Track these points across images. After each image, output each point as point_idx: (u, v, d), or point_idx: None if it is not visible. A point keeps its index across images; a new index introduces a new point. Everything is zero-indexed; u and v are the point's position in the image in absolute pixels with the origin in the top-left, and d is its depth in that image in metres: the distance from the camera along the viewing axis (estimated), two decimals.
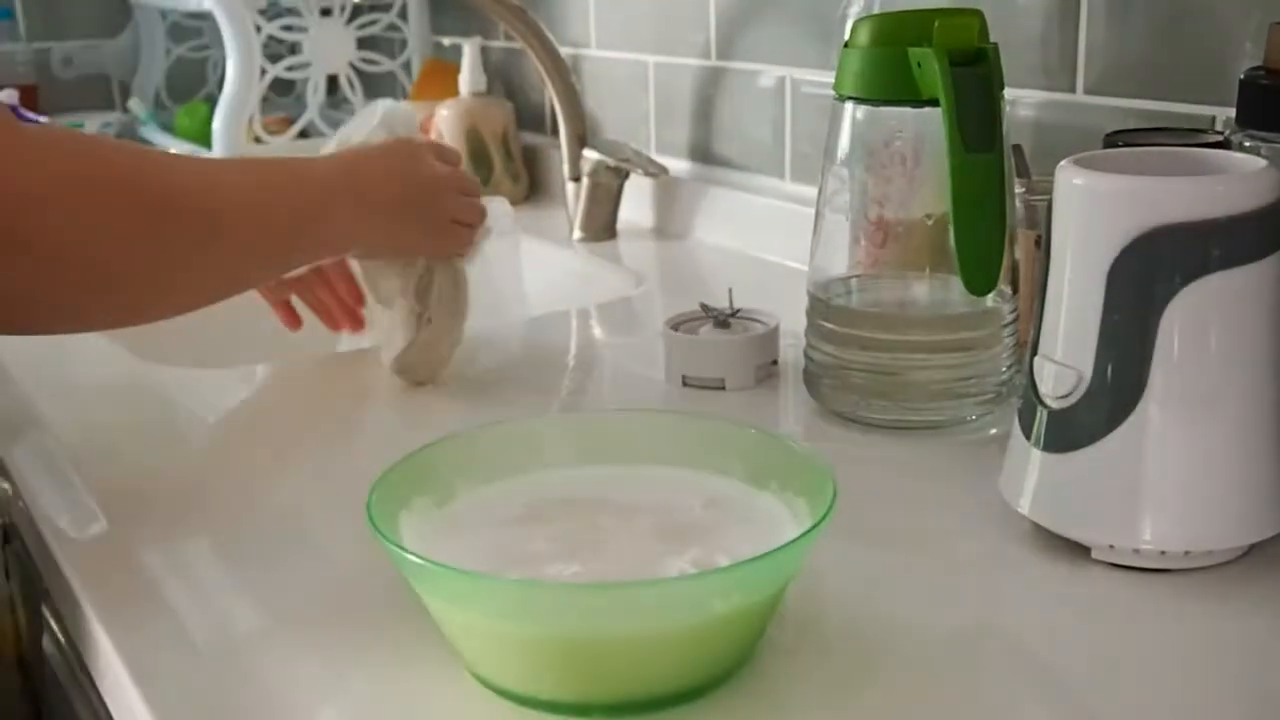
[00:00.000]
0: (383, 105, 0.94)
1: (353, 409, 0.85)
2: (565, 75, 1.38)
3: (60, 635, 0.77)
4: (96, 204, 0.66)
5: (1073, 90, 0.94)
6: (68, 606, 0.67)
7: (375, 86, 1.81)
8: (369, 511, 0.54)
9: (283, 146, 1.65)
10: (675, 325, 0.92)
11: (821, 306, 0.82)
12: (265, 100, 1.67)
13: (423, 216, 0.87)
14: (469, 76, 1.54)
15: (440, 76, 1.65)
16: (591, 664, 0.51)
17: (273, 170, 0.80)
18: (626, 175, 1.34)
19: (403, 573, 0.54)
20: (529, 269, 1.23)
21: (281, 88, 1.85)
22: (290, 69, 1.67)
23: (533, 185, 1.57)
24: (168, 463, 0.81)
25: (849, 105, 0.79)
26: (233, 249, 0.75)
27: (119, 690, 0.58)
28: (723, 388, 0.88)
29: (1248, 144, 0.67)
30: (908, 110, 0.77)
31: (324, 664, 0.58)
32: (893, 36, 0.76)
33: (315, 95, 1.68)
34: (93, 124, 1.88)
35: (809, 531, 0.52)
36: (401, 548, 0.52)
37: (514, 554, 0.56)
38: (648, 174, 1.31)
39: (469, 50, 1.54)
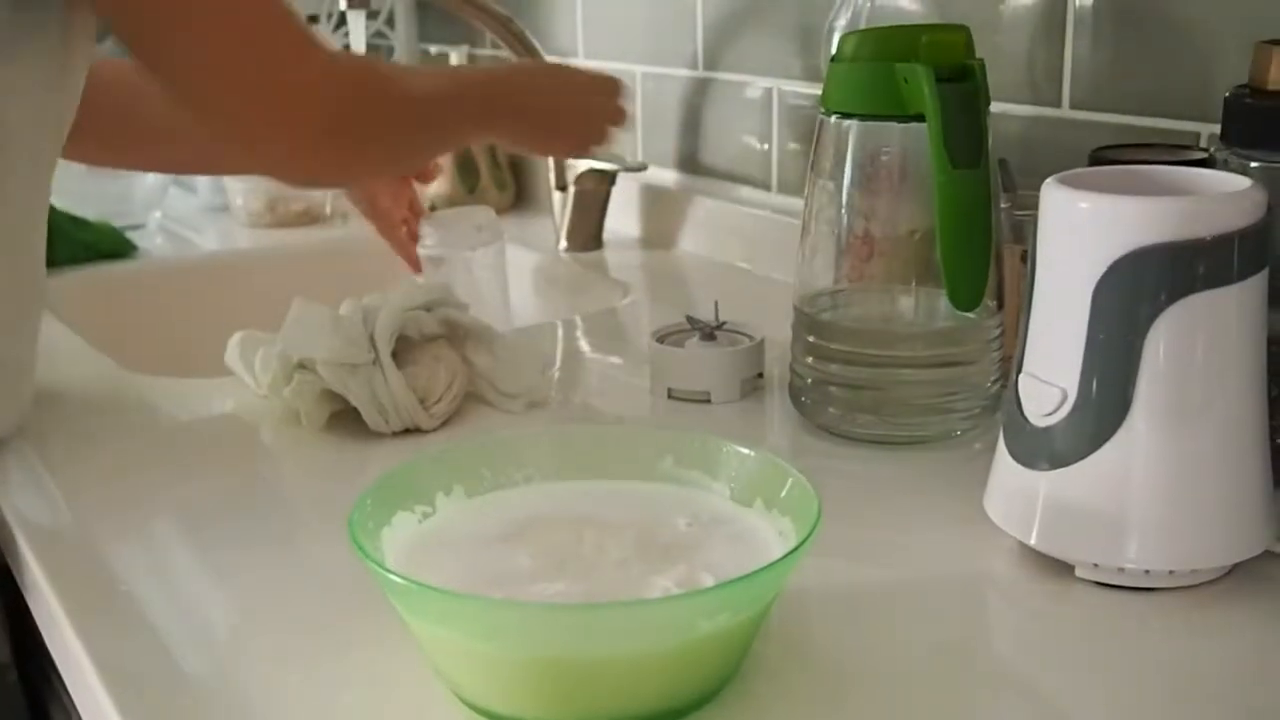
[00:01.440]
0: None
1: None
2: None
3: (37, 645, 0.77)
4: (373, 99, 0.85)
5: (1059, 106, 0.95)
6: (44, 616, 0.67)
7: None
8: (351, 529, 0.54)
9: None
10: (661, 337, 0.92)
11: (807, 320, 0.82)
12: None
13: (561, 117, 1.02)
14: None
15: None
16: (575, 684, 0.51)
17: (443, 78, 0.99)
18: (613, 180, 1.34)
19: (385, 591, 0.53)
20: (515, 279, 1.23)
21: None
22: None
23: (519, 194, 1.57)
24: (149, 471, 0.81)
25: (835, 120, 0.79)
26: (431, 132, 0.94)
27: (95, 704, 0.58)
28: (708, 401, 0.88)
29: (1233, 162, 0.67)
30: (894, 125, 0.77)
31: (304, 682, 0.57)
32: (879, 51, 0.76)
33: None
34: None
35: (794, 550, 0.52)
36: (383, 566, 0.52)
37: (497, 572, 0.56)
38: (627, 169, 1.31)
39: (456, 59, 1.54)
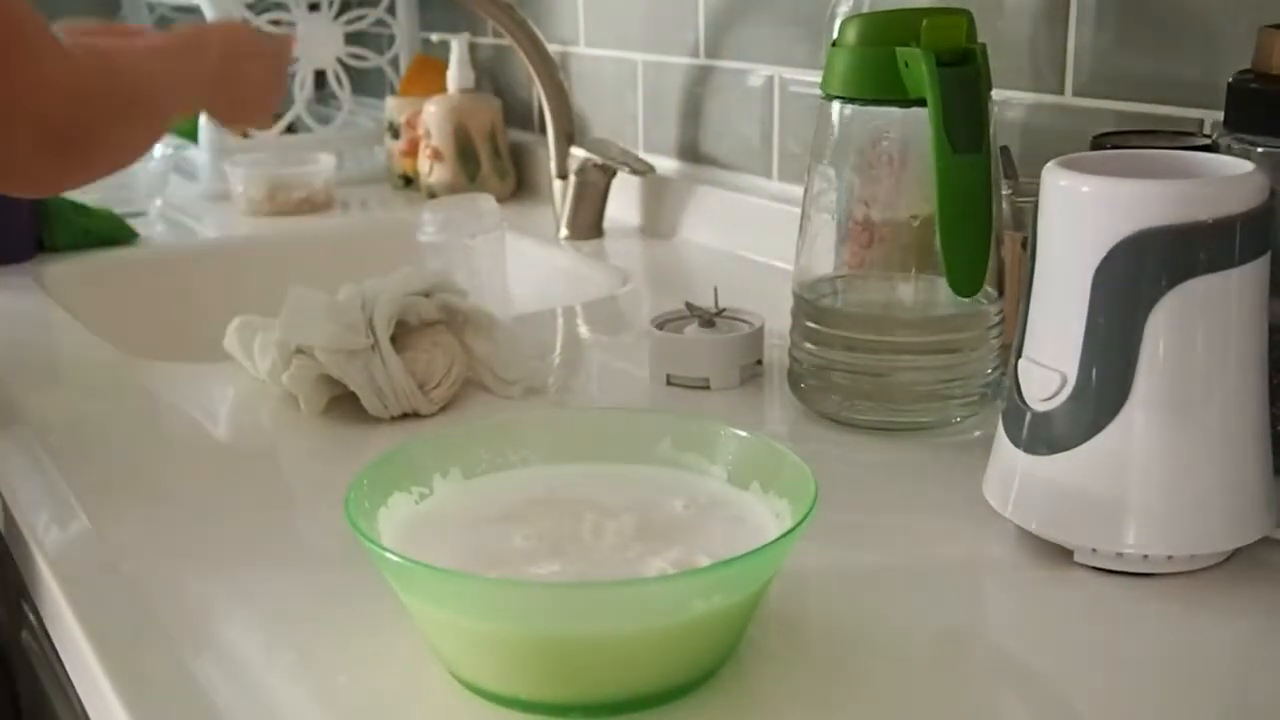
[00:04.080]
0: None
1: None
2: (553, 73, 1.38)
3: (38, 628, 0.77)
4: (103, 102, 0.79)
5: (1061, 92, 0.94)
6: (43, 599, 0.67)
7: (363, 82, 1.80)
8: (347, 509, 0.54)
9: (269, 141, 1.64)
10: (660, 324, 0.91)
11: (807, 307, 0.82)
12: None
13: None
14: (457, 73, 1.53)
15: (428, 73, 1.65)
16: (571, 664, 0.51)
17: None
18: (614, 173, 1.33)
19: (382, 571, 0.53)
20: (515, 267, 1.23)
21: None
22: None
23: (520, 183, 1.57)
24: (148, 455, 0.81)
25: (836, 104, 0.79)
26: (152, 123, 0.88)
27: (93, 685, 0.58)
28: (707, 387, 0.88)
29: (1236, 147, 0.66)
30: (895, 110, 0.77)
31: (299, 660, 0.57)
32: (881, 36, 0.76)
33: (302, 90, 1.67)
34: None
35: (789, 532, 0.52)
36: (380, 546, 0.52)
37: (494, 552, 0.56)
38: (634, 172, 1.31)
39: (457, 47, 1.53)
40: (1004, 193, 0.81)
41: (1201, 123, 0.85)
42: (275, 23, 1.65)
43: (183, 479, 0.77)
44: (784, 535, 0.52)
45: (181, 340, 1.13)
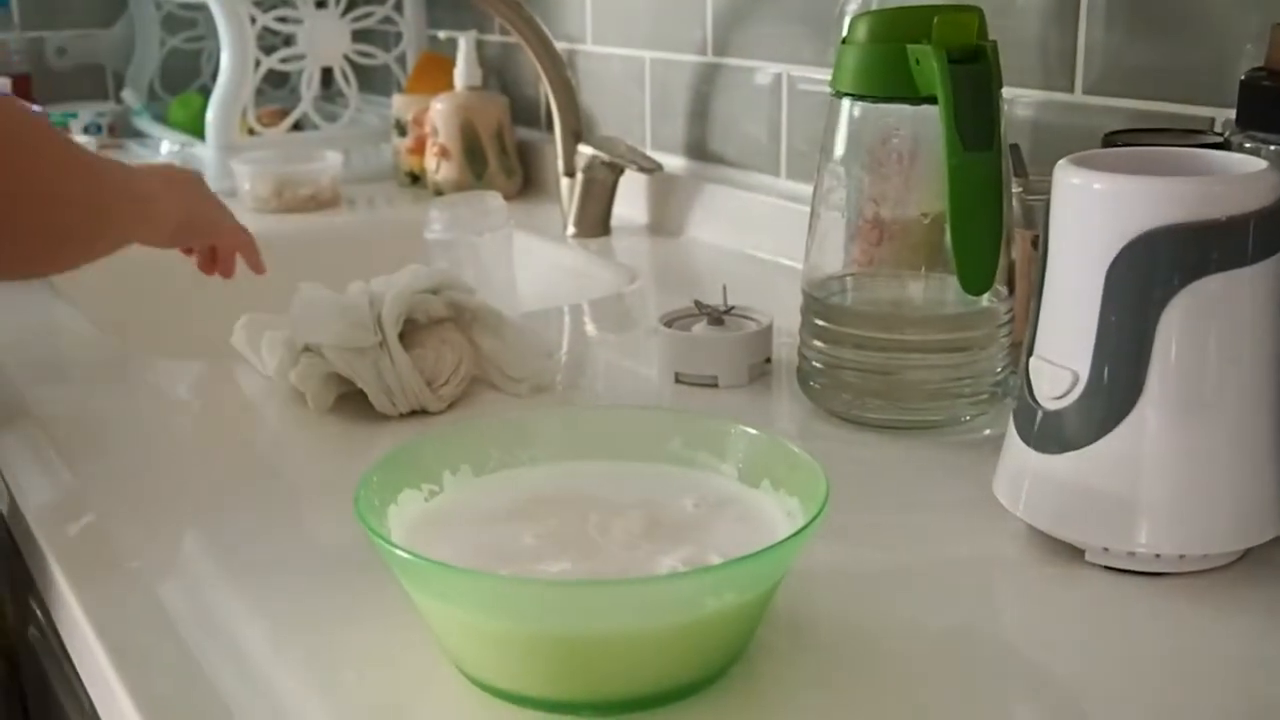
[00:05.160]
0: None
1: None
2: (561, 70, 1.37)
3: (45, 624, 0.77)
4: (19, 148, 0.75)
5: (1071, 90, 0.94)
6: (52, 595, 0.67)
7: (370, 80, 1.80)
8: (357, 505, 0.54)
9: (276, 139, 1.64)
10: (669, 322, 0.91)
11: (816, 305, 0.81)
12: (259, 92, 1.66)
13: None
14: (464, 70, 1.53)
15: (435, 70, 1.65)
16: (581, 662, 0.51)
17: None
18: (621, 171, 1.33)
19: (391, 568, 0.53)
20: (522, 264, 1.23)
21: (276, 80, 1.85)
22: (284, 61, 1.67)
23: (527, 180, 1.57)
24: (155, 452, 0.81)
25: (846, 102, 0.79)
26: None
27: (102, 681, 0.57)
28: (716, 385, 0.88)
29: (1248, 145, 0.66)
30: (905, 107, 0.77)
31: (308, 657, 0.57)
32: (891, 33, 0.76)
33: (309, 88, 1.67)
34: (86, 114, 1.88)
35: (801, 531, 0.52)
36: (390, 542, 0.52)
37: (503, 550, 0.56)
38: (642, 169, 1.31)
39: (464, 44, 1.53)
40: (1014, 191, 0.81)
41: (1212, 120, 0.85)
42: (282, 19, 1.65)
43: (190, 476, 0.77)
44: (797, 533, 0.52)
45: (188, 337, 1.13)
